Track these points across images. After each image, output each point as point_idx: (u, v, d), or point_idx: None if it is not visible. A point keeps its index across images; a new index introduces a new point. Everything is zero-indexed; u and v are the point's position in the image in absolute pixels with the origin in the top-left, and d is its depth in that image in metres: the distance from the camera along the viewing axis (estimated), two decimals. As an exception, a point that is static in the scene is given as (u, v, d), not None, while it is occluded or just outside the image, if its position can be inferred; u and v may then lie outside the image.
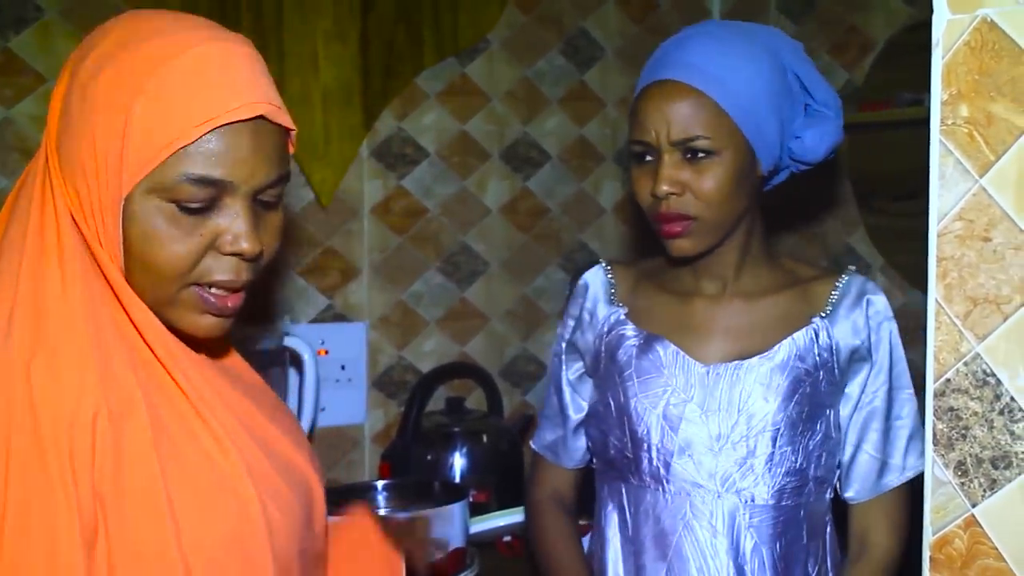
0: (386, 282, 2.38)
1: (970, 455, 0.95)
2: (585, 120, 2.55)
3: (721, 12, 2.69)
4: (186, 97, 0.95)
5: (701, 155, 1.37)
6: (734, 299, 1.48)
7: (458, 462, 2.25)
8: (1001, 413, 0.93)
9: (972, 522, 0.95)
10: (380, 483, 2.06)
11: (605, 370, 1.51)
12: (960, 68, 0.93)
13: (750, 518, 1.42)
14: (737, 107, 1.36)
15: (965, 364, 0.94)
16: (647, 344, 1.47)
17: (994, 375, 0.93)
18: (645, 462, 1.45)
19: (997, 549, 0.94)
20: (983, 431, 0.94)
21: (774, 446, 1.41)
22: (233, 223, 0.99)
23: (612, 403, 1.48)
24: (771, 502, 1.42)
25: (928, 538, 0.98)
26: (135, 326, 1.01)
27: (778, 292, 1.48)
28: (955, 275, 0.95)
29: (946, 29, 0.94)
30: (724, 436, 1.41)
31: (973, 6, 0.92)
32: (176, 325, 1.03)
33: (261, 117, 0.99)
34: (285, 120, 1.03)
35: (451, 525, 1.84)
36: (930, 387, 0.97)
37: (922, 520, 0.98)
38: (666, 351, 1.46)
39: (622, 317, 1.51)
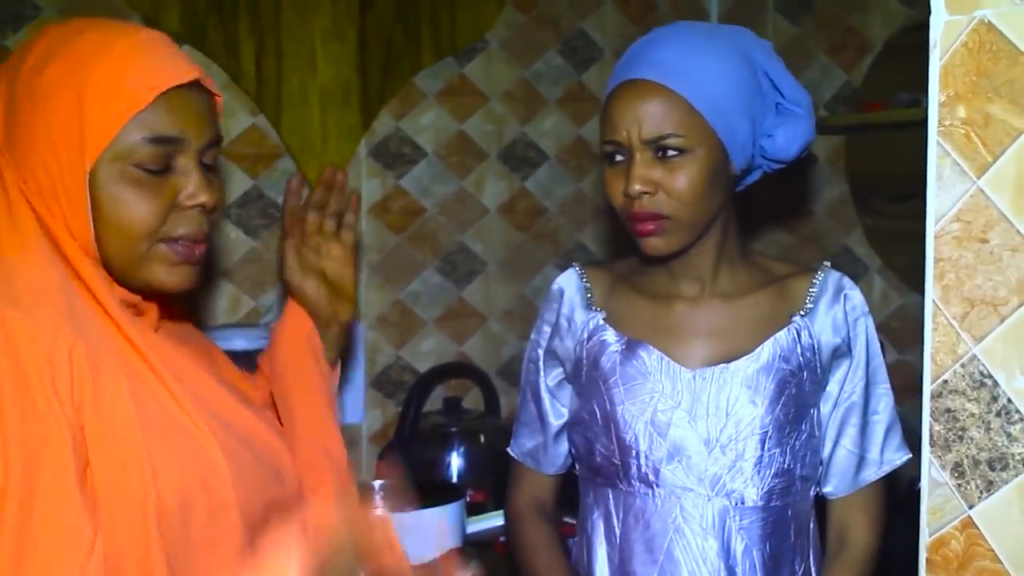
0: (384, 281, 2.38)
1: (967, 456, 0.95)
2: (583, 120, 2.55)
3: (719, 13, 2.69)
4: (133, 71, 1.09)
5: (673, 153, 1.36)
6: (713, 300, 1.48)
7: (455, 462, 2.25)
8: (998, 415, 0.93)
9: (969, 523, 0.95)
10: (377, 483, 2.06)
11: (588, 377, 1.50)
12: (958, 69, 0.93)
13: (740, 520, 1.42)
14: (708, 105, 1.36)
15: (962, 365, 0.95)
16: (630, 350, 1.46)
17: (991, 376, 0.93)
18: (634, 468, 1.44)
19: (994, 551, 0.94)
20: (980, 432, 0.94)
21: (763, 448, 1.41)
22: (189, 180, 1.13)
23: (597, 410, 1.47)
24: (760, 503, 1.42)
25: (925, 539, 0.98)
26: (97, 301, 1.09)
27: (756, 291, 1.48)
28: (952, 276, 0.95)
29: (944, 30, 0.94)
30: (713, 440, 1.41)
31: (971, 7, 0.92)
32: (149, 282, 1.14)
33: (197, 82, 1.14)
34: (214, 87, 1.19)
35: (449, 525, 1.84)
36: (927, 388, 0.97)
37: (918, 521, 0.99)
38: (650, 356, 1.45)
39: (600, 322, 1.50)
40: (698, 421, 1.42)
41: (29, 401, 0.95)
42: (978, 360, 0.93)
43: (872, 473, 1.48)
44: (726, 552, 1.41)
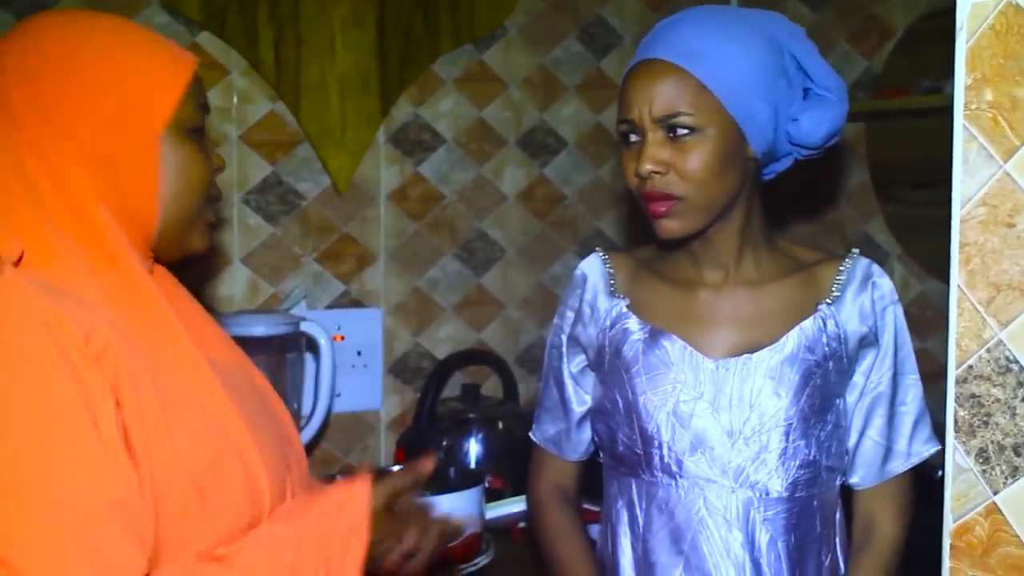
0: (402, 268, 2.39)
1: (992, 442, 0.94)
2: (602, 107, 2.54)
3: (739, 1, 2.68)
4: (170, 46, 1.15)
5: (684, 132, 1.35)
6: (737, 287, 1.46)
7: (473, 448, 2.25)
8: (1023, 400, 0.92)
9: (993, 509, 0.95)
10: (395, 469, 2.06)
11: (610, 365, 1.48)
12: (985, 52, 0.92)
13: (765, 511, 1.41)
14: (722, 85, 1.35)
15: (987, 351, 0.94)
16: (653, 339, 1.44)
17: (1017, 362, 0.92)
18: (656, 458, 1.43)
19: (1018, 536, 0.93)
20: (1005, 418, 0.93)
21: (787, 440, 1.40)
22: (209, 145, 1.20)
23: (620, 400, 1.46)
24: (785, 494, 1.41)
25: (948, 525, 0.98)
26: (125, 274, 1.08)
27: (781, 278, 1.46)
28: (978, 261, 0.94)
29: (971, 13, 0.93)
30: (736, 432, 1.40)
31: (999, -10, 0.92)
32: (187, 246, 1.19)
33: None
34: None
35: (467, 511, 1.85)
36: (952, 374, 0.96)
37: (941, 507, 0.98)
38: (673, 346, 1.43)
39: (624, 309, 1.48)
40: (721, 412, 1.40)
41: (73, 373, 0.96)
42: (1004, 345, 0.93)
43: (899, 465, 1.47)
44: (751, 544, 1.40)
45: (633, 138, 1.39)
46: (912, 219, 2.54)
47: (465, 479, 1.96)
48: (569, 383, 1.56)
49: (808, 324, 1.42)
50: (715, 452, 1.40)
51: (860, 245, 2.58)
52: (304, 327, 2.12)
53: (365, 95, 2.29)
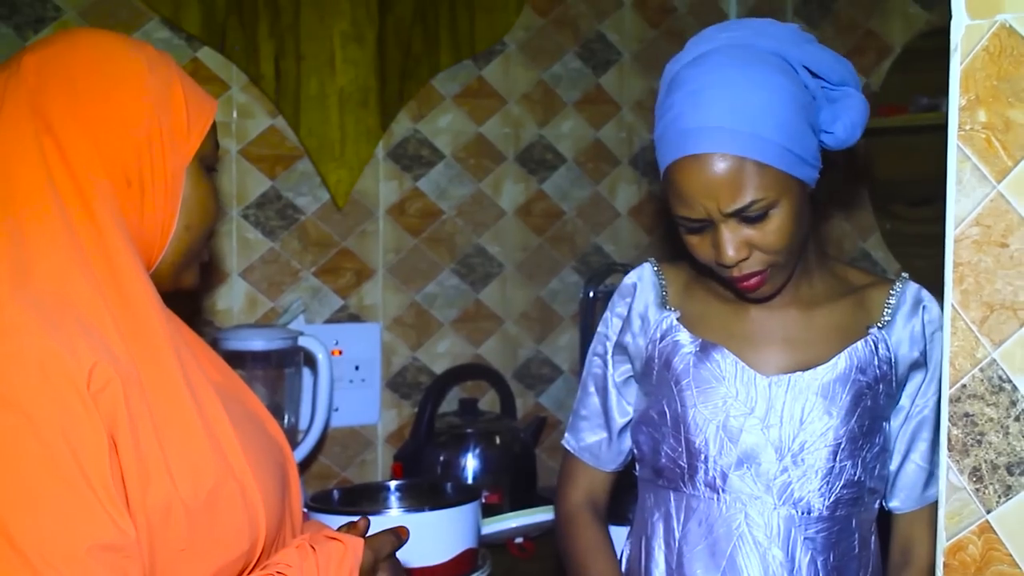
0: (401, 283, 2.39)
1: (985, 461, 0.94)
2: (601, 123, 2.55)
3: (737, 16, 2.69)
4: (196, 85, 1.18)
5: (759, 215, 1.31)
6: (790, 307, 1.45)
7: (471, 463, 2.25)
8: (1017, 419, 0.92)
9: (986, 528, 0.95)
10: (393, 483, 2.06)
11: (659, 377, 1.46)
12: (978, 73, 0.93)
13: (806, 529, 1.40)
14: (778, 154, 1.30)
15: (981, 370, 0.94)
16: (704, 352, 1.43)
17: (1010, 381, 0.93)
18: (701, 472, 1.41)
19: (1011, 555, 0.93)
20: (998, 437, 0.93)
21: (834, 460, 1.39)
22: (216, 181, 1.26)
23: (668, 412, 1.44)
24: (826, 513, 1.40)
25: (942, 544, 0.98)
26: (134, 301, 1.06)
27: (833, 301, 1.45)
28: (972, 280, 0.94)
29: (964, 34, 0.94)
30: (785, 449, 1.39)
31: (992, 11, 0.92)
32: (182, 282, 1.20)
33: None
34: None
35: (463, 526, 1.85)
36: (946, 392, 0.97)
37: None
38: (725, 360, 1.42)
39: (674, 322, 1.46)
40: (771, 429, 1.39)
41: (69, 413, 0.95)
42: (997, 364, 0.93)
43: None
44: (791, 561, 1.39)
45: (699, 226, 1.35)
46: (910, 236, 2.54)
47: (462, 494, 1.96)
48: (613, 392, 1.54)
49: (859, 346, 1.41)
50: (761, 468, 1.40)
51: (858, 262, 2.58)
52: (302, 341, 2.13)
53: (364, 110, 2.30)
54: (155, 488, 1.00)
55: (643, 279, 1.53)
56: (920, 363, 1.44)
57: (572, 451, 1.59)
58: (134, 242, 1.08)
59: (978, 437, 0.95)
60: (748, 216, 1.31)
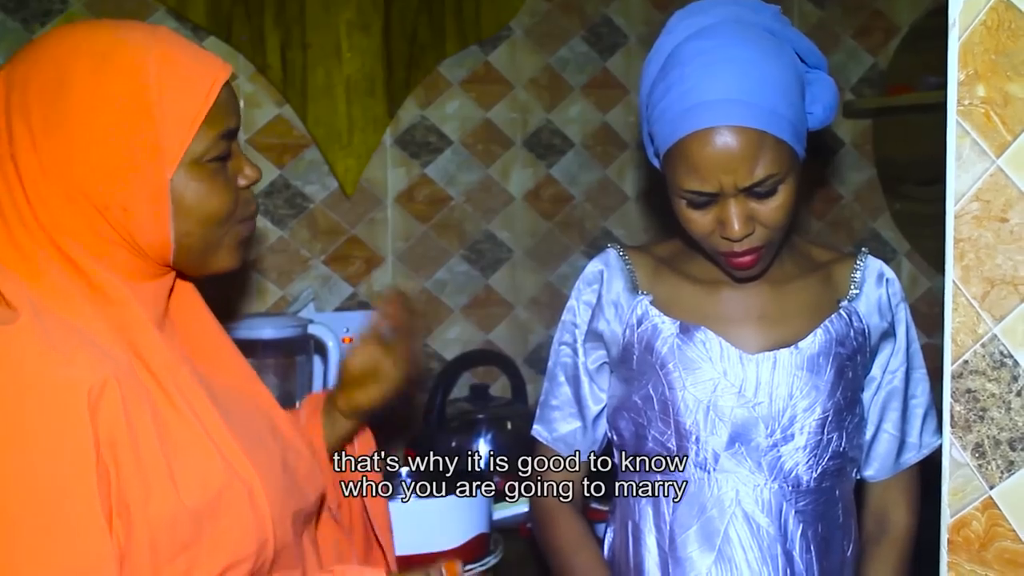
0: (410, 270, 2.40)
1: (987, 437, 0.94)
2: (608, 107, 2.55)
3: (745, -3, 2.68)
4: (187, 73, 1.08)
5: (769, 189, 1.31)
6: (762, 285, 1.45)
7: (482, 448, 2.26)
8: (1018, 394, 0.92)
9: (990, 504, 0.95)
10: (404, 470, 2.07)
11: (640, 362, 1.46)
12: (977, 48, 0.93)
13: (796, 502, 1.41)
14: (790, 130, 1.30)
15: (982, 346, 0.94)
16: (686, 334, 1.43)
17: (1011, 356, 0.92)
18: (692, 453, 1.42)
19: (1015, 531, 0.93)
20: (1000, 412, 0.93)
21: (822, 433, 1.40)
22: (239, 162, 1.16)
23: (654, 395, 1.44)
24: (813, 485, 1.42)
25: (946, 520, 0.98)
26: (122, 325, 1.07)
27: (802, 277, 1.47)
28: (972, 256, 0.94)
29: (963, 9, 0.94)
30: (773, 425, 1.40)
31: (989, -15, 0.92)
32: (214, 268, 1.17)
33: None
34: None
35: (475, 511, 1.85)
36: (947, 369, 0.97)
37: (938, 501, 0.98)
38: (709, 341, 1.42)
39: (648, 306, 1.46)
40: (759, 406, 1.40)
41: (59, 440, 0.95)
42: (998, 340, 0.93)
43: (912, 456, 1.50)
44: (783, 535, 1.41)
45: (704, 199, 1.34)
46: (919, 215, 2.54)
47: (473, 479, 1.97)
48: (585, 380, 1.53)
49: (835, 320, 1.43)
50: (752, 445, 1.40)
51: (868, 242, 2.58)
52: (312, 329, 2.13)
53: (371, 98, 2.30)
54: (157, 498, 1.00)
55: (610, 265, 1.51)
56: (889, 333, 1.47)
57: (545, 442, 1.57)
58: (135, 258, 1.09)
59: (980, 413, 0.95)
60: (759, 191, 1.30)
